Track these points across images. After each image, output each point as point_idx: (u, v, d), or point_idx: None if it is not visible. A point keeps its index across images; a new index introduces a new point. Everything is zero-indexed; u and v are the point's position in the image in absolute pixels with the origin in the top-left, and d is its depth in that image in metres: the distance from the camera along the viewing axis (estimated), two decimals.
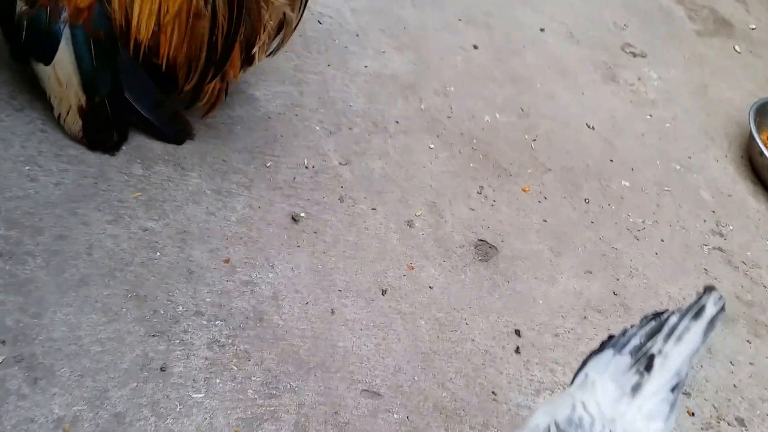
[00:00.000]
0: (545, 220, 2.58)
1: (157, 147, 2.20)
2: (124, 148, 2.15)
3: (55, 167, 2.02)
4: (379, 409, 1.89)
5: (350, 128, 2.59)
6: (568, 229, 2.59)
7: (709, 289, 1.29)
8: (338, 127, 2.56)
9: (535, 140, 2.87)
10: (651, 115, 3.24)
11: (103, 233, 1.94)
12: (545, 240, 2.51)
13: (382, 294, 2.14)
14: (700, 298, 1.27)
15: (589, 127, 3.06)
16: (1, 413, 1.56)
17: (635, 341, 1.26)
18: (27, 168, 1.98)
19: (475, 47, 3.16)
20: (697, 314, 1.24)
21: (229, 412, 1.75)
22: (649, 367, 1.21)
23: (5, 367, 1.63)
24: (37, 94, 2.09)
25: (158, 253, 1.96)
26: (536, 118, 2.97)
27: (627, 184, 2.86)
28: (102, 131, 2.09)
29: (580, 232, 2.59)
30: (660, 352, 1.22)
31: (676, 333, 1.23)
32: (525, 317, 2.26)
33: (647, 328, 1.27)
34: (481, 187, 2.59)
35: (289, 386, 1.85)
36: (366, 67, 2.84)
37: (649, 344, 1.24)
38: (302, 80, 2.66)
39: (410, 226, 2.36)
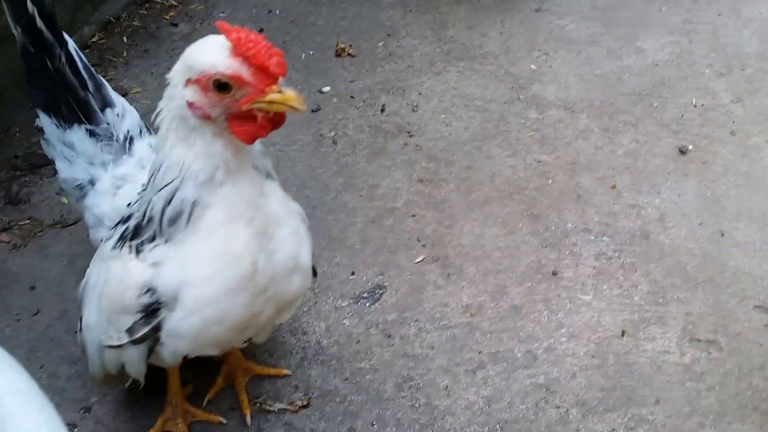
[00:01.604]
0: None
1: (550, 95, 2.44)
2: (520, 97, 2.43)
3: (464, 115, 2.38)
4: None
5: (742, 69, 2.52)
6: None
7: None
8: (729, 69, 2.51)
9: None
10: None
11: (503, 165, 2.23)
12: None
13: None
14: None
15: None
16: (423, 298, 1.92)
17: None
18: (443, 116, 2.38)
19: None
20: None
21: (615, 313, 1.87)
22: None
23: (425, 264, 1.99)
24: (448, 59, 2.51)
25: (550, 180, 2.18)
26: None
27: None
28: None
29: None
30: None
31: None
32: None
33: None
34: None
35: (675, 297, 1.89)
36: (761, 13, 2.73)
37: None
38: (691, 30, 2.67)
39: None
